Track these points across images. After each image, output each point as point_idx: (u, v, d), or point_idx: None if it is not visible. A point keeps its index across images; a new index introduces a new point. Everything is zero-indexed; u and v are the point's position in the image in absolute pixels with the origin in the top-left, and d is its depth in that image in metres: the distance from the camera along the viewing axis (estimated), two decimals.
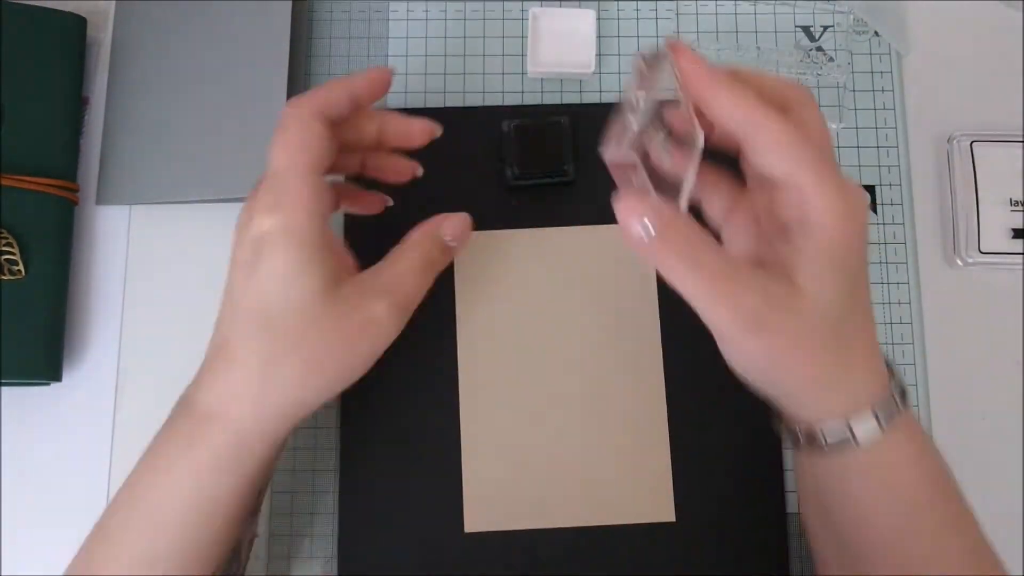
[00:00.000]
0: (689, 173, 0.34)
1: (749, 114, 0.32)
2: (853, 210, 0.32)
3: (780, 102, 0.34)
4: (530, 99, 0.51)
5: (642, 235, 0.32)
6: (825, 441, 0.34)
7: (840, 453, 0.35)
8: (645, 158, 0.35)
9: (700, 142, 0.34)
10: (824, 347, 0.33)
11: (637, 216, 0.32)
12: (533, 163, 0.48)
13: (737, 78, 0.33)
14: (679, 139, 0.35)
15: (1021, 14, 0.52)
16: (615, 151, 0.35)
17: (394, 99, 0.51)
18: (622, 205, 0.32)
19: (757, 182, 0.36)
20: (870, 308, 0.35)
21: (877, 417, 0.33)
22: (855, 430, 0.34)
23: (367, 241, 0.49)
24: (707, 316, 0.32)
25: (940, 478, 0.36)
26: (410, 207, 0.50)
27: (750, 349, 0.33)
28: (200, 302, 0.49)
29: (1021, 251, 0.48)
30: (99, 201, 0.50)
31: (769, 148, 0.32)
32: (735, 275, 0.32)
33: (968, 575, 0.35)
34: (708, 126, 0.34)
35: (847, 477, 0.35)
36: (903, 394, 0.35)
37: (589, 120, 0.50)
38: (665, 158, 0.35)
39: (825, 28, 0.51)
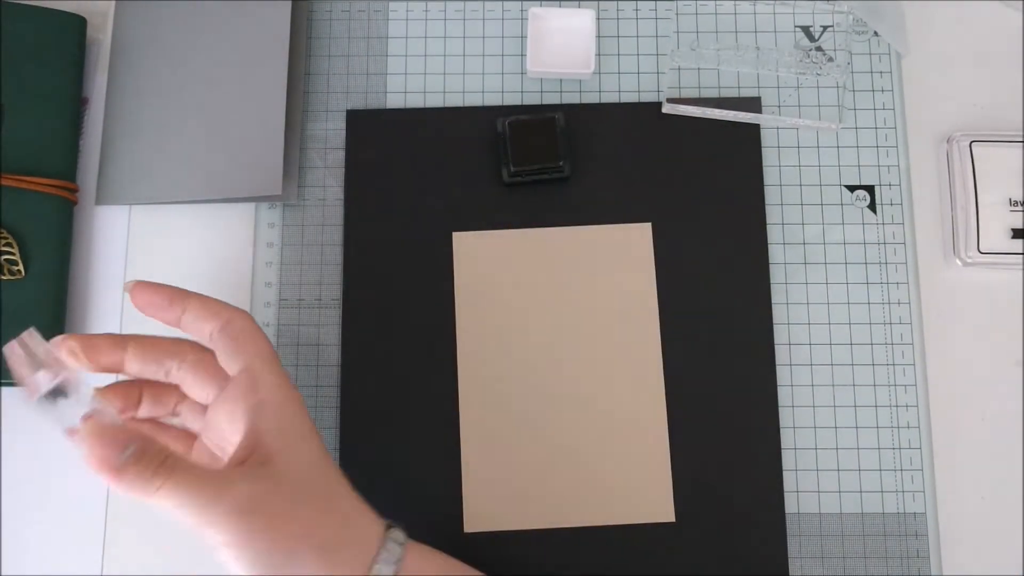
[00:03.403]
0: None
1: (216, 308, 0.38)
2: (294, 394, 0.38)
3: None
4: (530, 99, 0.51)
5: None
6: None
7: None
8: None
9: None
10: (315, 513, 0.36)
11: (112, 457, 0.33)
12: (527, 158, 0.48)
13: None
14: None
15: (1021, 14, 0.52)
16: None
17: (394, 99, 0.51)
18: (92, 457, 0.32)
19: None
20: (336, 468, 0.38)
21: (386, 559, 0.36)
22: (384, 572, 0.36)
23: (367, 242, 0.50)
24: (198, 520, 0.33)
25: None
26: (410, 207, 0.50)
27: (255, 531, 0.34)
28: None
29: (1021, 251, 0.48)
30: (99, 201, 0.50)
31: (236, 337, 0.38)
32: (216, 476, 0.34)
33: None
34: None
35: None
36: (398, 537, 0.38)
37: (588, 120, 0.50)
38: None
39: (825, 28, 0.51)
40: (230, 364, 0.38)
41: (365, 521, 0.38)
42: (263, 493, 0.34)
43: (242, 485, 0.34)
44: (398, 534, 0.38)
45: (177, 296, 0.39)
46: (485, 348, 0.48)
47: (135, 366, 0.39)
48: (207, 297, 0.39)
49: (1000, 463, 0.47)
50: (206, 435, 0.40)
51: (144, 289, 0.39)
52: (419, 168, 0.50)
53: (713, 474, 0.46)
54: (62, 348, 0.37)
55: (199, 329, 0.39)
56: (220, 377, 0.39)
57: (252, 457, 0.35)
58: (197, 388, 0.40)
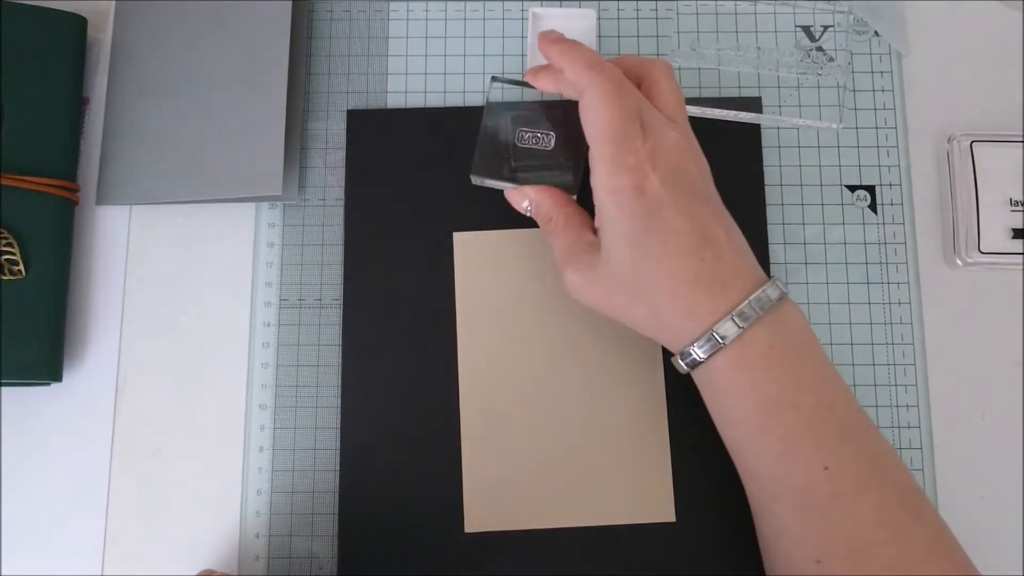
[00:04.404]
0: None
1: (575, 76, 0.40)
2: (619, 186, 0.39)
3: (636, 74, 0.42)
4: (530, 99, 0.51)
5: (526, 209, 0.45)
6: (683, 365, 0.40)
7: (701, 371, 0.40)
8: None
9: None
10: (624, 304, 0.41)
11: (517, 201, 0.46)
12: (531, 154, 0.48)
13: (591, 53, 0.41)
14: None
15: (1021, 14, 0.52)
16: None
17: (394, 99, 0.51)
18: (508, 195, 0.46)
19: None
20: (667, 253, 0.39)
21: (715, 337, 0.38)
22: (694, 354, 0.39)
23: (367, 242, 0.50)
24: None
25: (802, 378, 0.39)
26: (410, 207, 0.50)
27: (585, 305, 0.43)
28: (200, 302, 0.49)
29: (1021, 251, 0.48)
30: (99, 201, 0.50)
31: (583, 115, 0.40)
32: (569, 252, 0.43)
33: (814, 478, 0.37)
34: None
35: (711, 391, 0.41)
36: (724, 334, 0.38)
37: None
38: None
39: (825, 28, 0.51)
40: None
41: (682, 313, 0.39)
42: (584, 282, 0.42)
43: (571, 273, 0.42)
44: (714, 339, 0.38)
45: (554, 59, 0.42)
46: (485, 347, 0.48)
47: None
48: (573, 60, 0.40)
49: (1000, 463, 0.47)
50: None
51: (542, 42, 0.42)
52: (419, 168, 0.50)
53: (713, 474, 0.46)
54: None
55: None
56: None
57: (597, 234, 0.42)
58: None
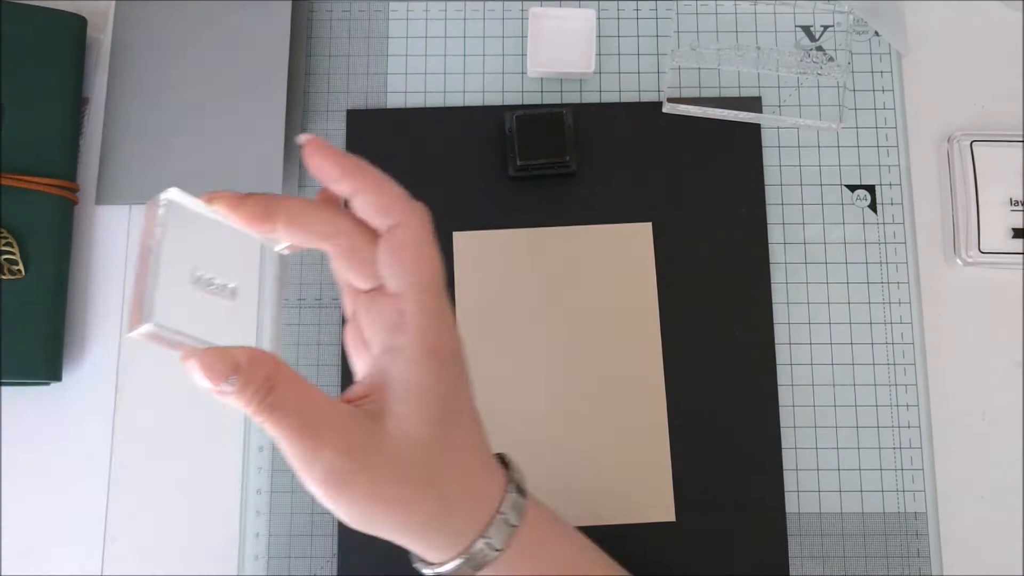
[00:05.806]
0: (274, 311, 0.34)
1: (388, 204, 0.32)
2: (440, 346, 0.32)
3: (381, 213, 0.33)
4: (530, 99, 0.51)
5: (229, 383, 0.29)
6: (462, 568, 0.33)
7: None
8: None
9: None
10: (411, 495, 0.31)
11: (215, 369, 0.29)
12: (535, 152, 0.48)
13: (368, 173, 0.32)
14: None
15: (1021, 14, 0.52)
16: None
17: (394, 99, 0.51)
18: (202, 363, 0.29)
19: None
20: (471, 424, 0.34)
21: (489, 543, 0.33)
22: (466, 566, 0.33)
23: None
24: (296, 469, 0.31)
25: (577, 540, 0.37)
26: None
27: (340, 504, 0.31)
28: None
29: (1021, 251, 0.48)
30: (99, 201, 0.50)
31: (396, 254, 0.32)
32: (316, 425, 0.30)
33: None
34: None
35: None
36: (518, 505, 0.34)
37: (589, 119, 0.50)
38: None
39: (825, 28, 0.51)
40: (387, 279, 0.32)
41: (475, 496, 0.33)
42: (355, 468, 0.30)
43: (333, 456, 0.30)
44: (511, 514, 0.33)
45: (351, 172, 0.32)
46: (485, 348, 0.47)
47: (284, 239, 0.33)
48: (384, 182, 0.32)
49: (1000, 463, 0.47)
50: (355, 322, 0.35)
51: (316, 151, 0.32)
52: (419, 168, 0.50)
53: (713, 474, 0.46)
54: (211, 204, 0.33)
55: (367, 218, 0.33)
56: (374, 275, 0.33)
57: (368, 399, 0.32)
58: (350, 275, 0.34)
